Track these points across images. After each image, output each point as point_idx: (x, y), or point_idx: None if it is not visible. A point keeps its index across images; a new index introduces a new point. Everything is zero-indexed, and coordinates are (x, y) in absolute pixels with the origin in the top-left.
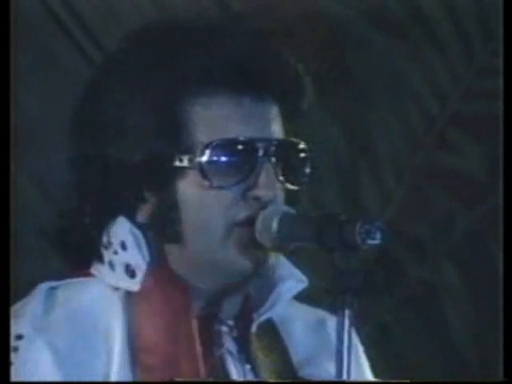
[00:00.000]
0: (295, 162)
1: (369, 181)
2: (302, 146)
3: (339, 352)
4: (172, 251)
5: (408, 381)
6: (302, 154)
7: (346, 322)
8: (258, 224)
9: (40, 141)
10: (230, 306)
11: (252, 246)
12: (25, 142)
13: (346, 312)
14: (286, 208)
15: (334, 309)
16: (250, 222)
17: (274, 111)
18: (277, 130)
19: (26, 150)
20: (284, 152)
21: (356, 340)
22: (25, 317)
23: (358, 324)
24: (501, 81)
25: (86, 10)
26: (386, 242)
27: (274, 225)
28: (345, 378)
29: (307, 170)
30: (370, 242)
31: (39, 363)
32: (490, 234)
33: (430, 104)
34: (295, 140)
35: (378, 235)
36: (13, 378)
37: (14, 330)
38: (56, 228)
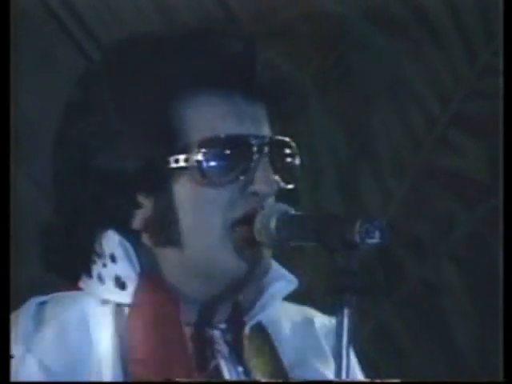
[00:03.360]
0: (286, 159)
1: (369, 181)
2: (290, 143)
3: (338, 352)
4: (167, 257)
5: (408, 381)
6: (291, 152)
7: (346, 322)
8: (257, 223)
9: (40, 141)
10: (221, 311)
11: (250, 245)
12: (25, 142)
13: (346, 312)
14: (284, 207)
15: (334, 308)
16: (248, 218)
17: (263, 110)
18: (267, 128)
19: (26, 150)
20: (275, 149)
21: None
22: (14, 335)
23: (358, 324)
24: (501, 81)
25: (86, 9)
26: (385, 242)
27: (273, 224)
28: (344, 377)
29: (297, 168)
30: (370, 241)
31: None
32: (491, 234)
33: (431, 104)
34: (284, 138)
35: (378, 234)
36: None
37: None
38: (46, 243)
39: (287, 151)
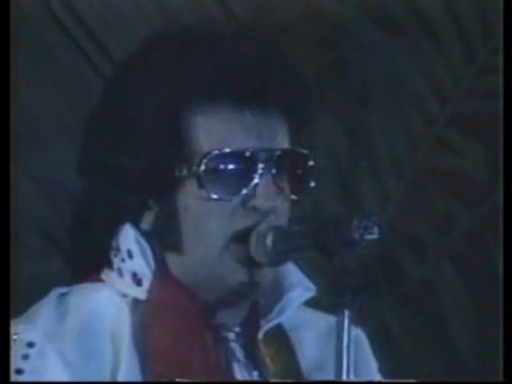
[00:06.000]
0: (300, 171)
1: (369, 181)
2: (307, 156)
3: (339, 352)
4: (170, 261)
5: (408, 381)
6: (308, 164)
7: (346, 322)
8: (253, 241)
9: (40, 141)
10: (236, 314)
11: (247, 260)
12: (25, 142)
13: (346, 312)
14: (278, 222)
15: (334, 309)
16: (246, 234)
17: (279, 122)
18: (281, 140)
19: (27, 149)
20: (288, 162)
21: (371, 356)
22: (37, 324)
23: (358, 324)
24: (501, 80)
25: (87, 9)
26: (383, 237)
27: (269, 241)
28: (344, 377)
29: (312, 180)
30: (369, 237)
31: (49, 371)
32: (490, 233)
33: (430, 103)
34: (301, 150)
35: (376, 230)
36: None
37: (26, 337)
38: (65, 232)
39: (303, 163)
